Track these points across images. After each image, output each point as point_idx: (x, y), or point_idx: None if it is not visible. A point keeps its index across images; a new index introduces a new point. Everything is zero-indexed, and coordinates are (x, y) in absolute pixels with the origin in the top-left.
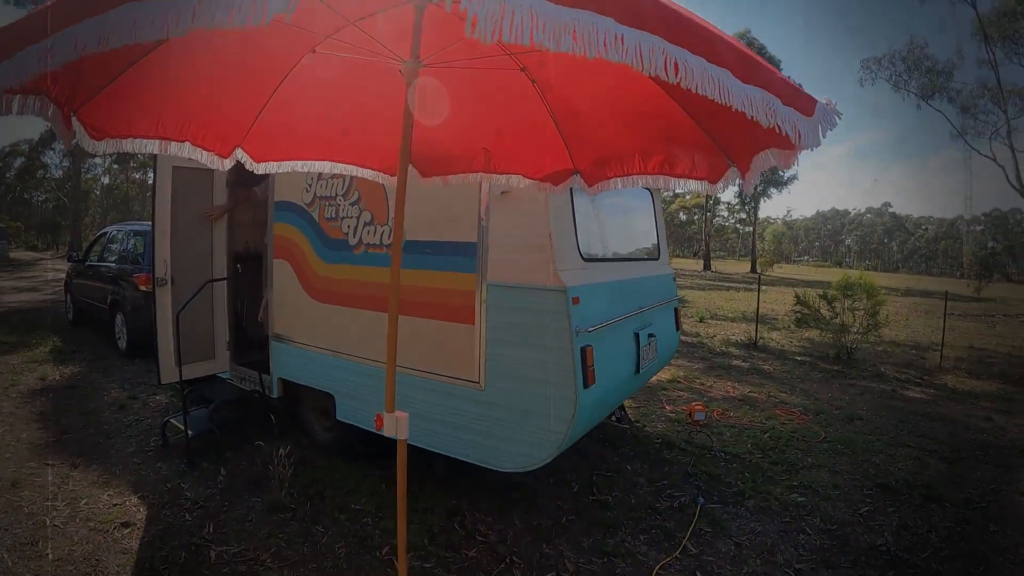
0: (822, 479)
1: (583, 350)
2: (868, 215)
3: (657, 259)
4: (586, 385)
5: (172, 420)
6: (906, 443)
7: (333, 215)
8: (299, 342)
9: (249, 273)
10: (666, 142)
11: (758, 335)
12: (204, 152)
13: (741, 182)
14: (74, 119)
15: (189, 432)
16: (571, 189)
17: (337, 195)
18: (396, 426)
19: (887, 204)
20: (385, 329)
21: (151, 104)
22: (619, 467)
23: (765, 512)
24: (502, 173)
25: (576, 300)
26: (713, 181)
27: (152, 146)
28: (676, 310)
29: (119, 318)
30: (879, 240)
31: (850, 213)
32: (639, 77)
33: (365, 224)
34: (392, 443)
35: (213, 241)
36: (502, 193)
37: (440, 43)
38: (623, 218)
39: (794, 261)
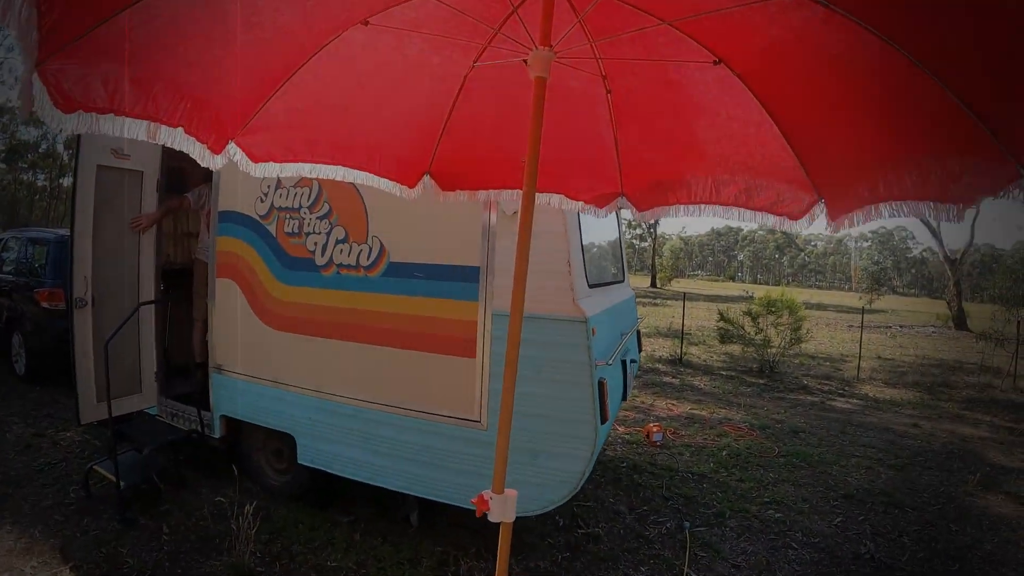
0: (790, 493)
1: (600, 384)
2: (760, 232)
3: (623, 281)
4: (603, 420)
5: (97, 467)
6: (852, 453)
7: (295, 230)
8: (248, 375)
9: (176, 293)
10: (745, 170)
11: (682, 351)
12: (196, 143)
13: (831, 224)
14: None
15: (121, 483)
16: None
17: (302, 207)
18: (505, 508)
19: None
20: (363, 362)
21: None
22: (596, 496)
23: (749, 531)
24: (540, 191)
25: (594, 331)
26: (794, 218)
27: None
28: (639, 332)
29: (16, 338)
30: (770, 256)
31: (743, 230)
32: (731, 85)
33: (337, 242)
34: (358, 487)
35: (140, 256)
36: (513, 213)
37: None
38: (599, 239)
39: (689, 276)
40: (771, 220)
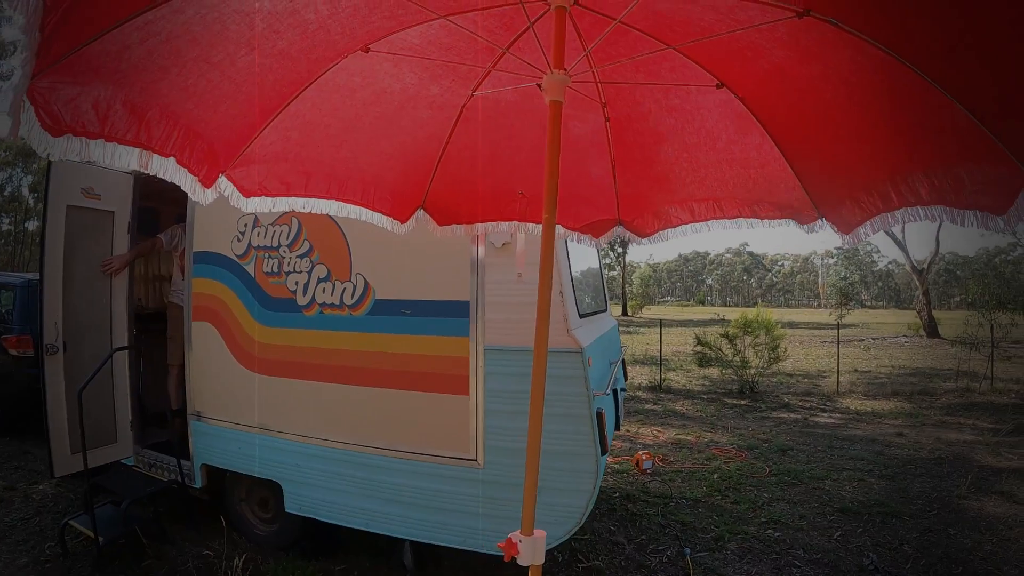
0: (786, 512)
1: (598, 414)
2: (727, 255)
3: (605, 310)
4: (603, 452)
5: (73, 522)
6: (843, 467)
7: (275, 269)
8: (229, 421)
9: (149, 338)
10: (747, 192)
11: (661, 377)
12: (188, 175)
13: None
14: None
15: (100, 538)
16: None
17: (281, 245)
18: (535, 551)
19: (745, 244)
20: (351, 404)
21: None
22: (592, 528)
23: (750, 552)
24: (538, 223)
25: (590, 361)
26: (802, 223)
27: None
28: (623, 360)
29: None
30: (738, 278)
31: (710, 254)
32: (732, 109)
33: (319, 280)
34: (350, 533)
35: (113, 300)
36: (503, 245)
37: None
38: (581, 268)
39: (659, 302)
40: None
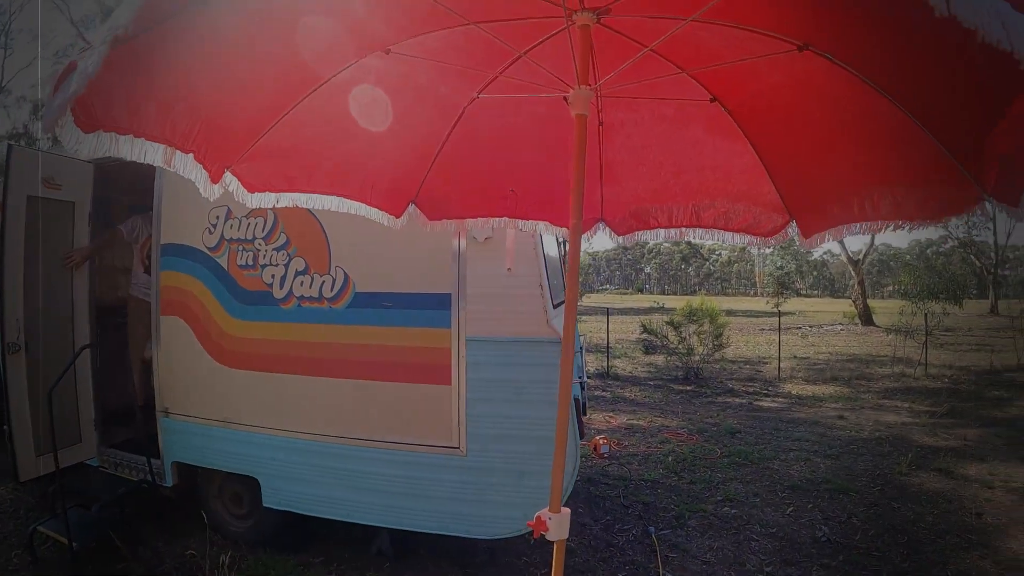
0: (740, 490)
1: (575, 401)
2: (666, 244)
3: (563, 302)
4: (581, 437)
5: (41, 528)
6: (789, 448)
7: (250, 262)
8: (202, 417)
9: (108, 332)
10: (725, 196)
11: (608, 365)
12: (203, 171)
13: (802, 240)
14: None
15: (73, 544)
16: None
17: (256, 238)
18: (562, 526)
19: (680, 231)
20: (332, 396)
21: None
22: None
23: (711, 528)
24: (528, 219)
25: None
26: (768, 236)
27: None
28: (582, 350)
29: None
30: (677, 267)
31: (649, 243)
32: (721, 121)
33: (297, 273)
34: (322, 523)
35: (74, 293)
36: (485, 239)
37: (607, 69)
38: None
39: (598, 290)
40: (747, 239)
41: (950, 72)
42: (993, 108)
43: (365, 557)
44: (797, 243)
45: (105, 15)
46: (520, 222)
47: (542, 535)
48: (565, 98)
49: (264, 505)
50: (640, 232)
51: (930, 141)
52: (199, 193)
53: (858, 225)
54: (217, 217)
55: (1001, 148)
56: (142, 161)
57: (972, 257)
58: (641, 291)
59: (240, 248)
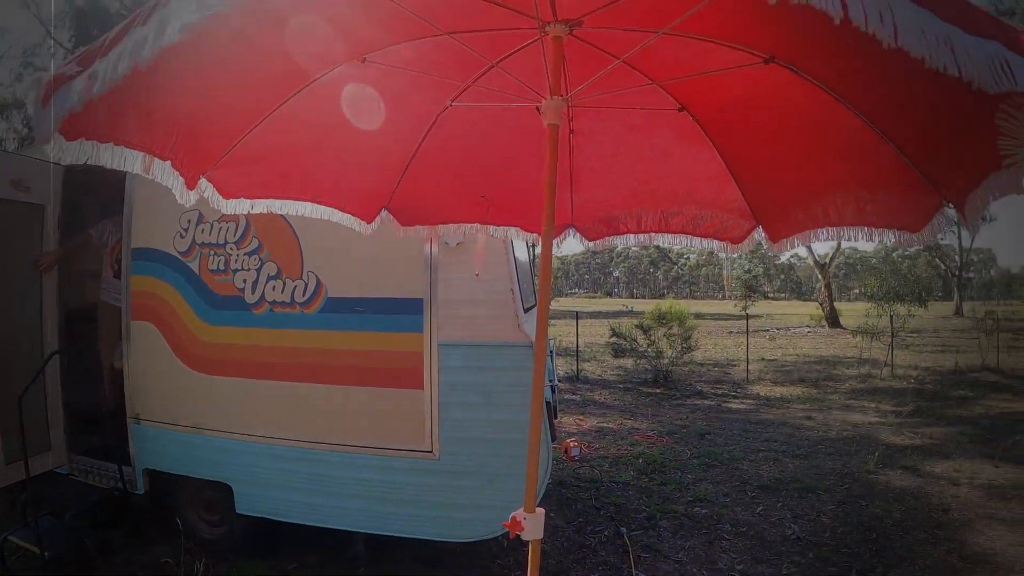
0: (710, 490)
1: (547, 404)
2: (635, 248)
3: (532, 306)
4: (552, 440)
5: (12, 537)
6: (758, 448)
7: (221, 267)
8: (173, 423)
9: (77, 338)
10: (693, 202)
11: (578, 368)
12: (179, 178)
13: (771, 245)
14: None
15: (45, 553)
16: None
17: (228, 242)
18: (537, 526)
19: (650, 236)
20: (305, 401)
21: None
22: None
23: (682, 528)
24: (499, 225)
25: None
26: (736, 242)
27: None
28: (552, 353)
29: None
30: (645, 270)
31: (618, 247)
32: (689, 129)
33: (269, 278)
34: (296, 529)
35: (43, 299)
36: (457, 244)
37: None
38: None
39: (567, 294)
40: (714, 244)
41: (905, 89)
42: (947, 123)
43: (339, 562)
44: (765, 247)
45: (75, 15)
46: (491, 228)
47: (518, 535)
48: (537, 108)
49: (237, 511)
50: (610, 237)
51: (891, 150)
52: (170, 197)
53: (824, 230)
54: (188, 221)
55: (960, 159)
56: (122, 169)
57: (937, 260)
58: (610, 295)
59: (212, 252)
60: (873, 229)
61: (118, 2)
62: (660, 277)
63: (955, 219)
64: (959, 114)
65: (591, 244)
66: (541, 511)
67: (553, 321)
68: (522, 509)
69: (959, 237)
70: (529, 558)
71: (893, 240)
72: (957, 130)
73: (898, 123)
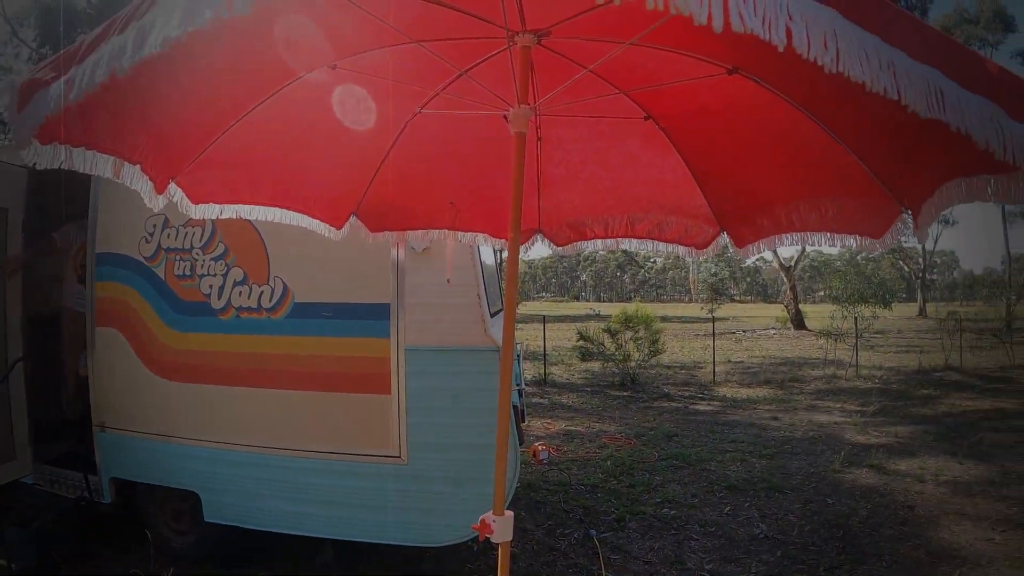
0: (678, 492)
1: (514, 408)
2: (602, 252)
3: (500, 310)
4: (520, 443)
5: None
6: (725, 449)
7: (187, 272)
8: (140, 431)
9: (46, 344)
10: (659, 208)
11: (545, 372)
12: (148, 181)
13: (736, 250)
14: None
15: (12, 565)
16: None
17: (194, 248)
18: (506, 528)
19: (616, 241)
20: (272, 408)
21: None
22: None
23: (651, 530)
24: (467, 231)
25: None
26: (700, 247)
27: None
28: (520, 357)
29: None
30: (612, 274)
31: (585, 251)
32: (655, 137)
33: (235, 283)
34: (265, 537)
35: (6, 304)
36: (424, 250)
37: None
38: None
39: (534, 298)
40: (680, 249)
41: (863, 100)
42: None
43: (310, 569)
44: (731, 252)
45: (41, 13)
46: (459, 234)
47: (487, 538)
48: (505, 116)
49: (206, 520)
50: (577, 243)
51: (852, 159)
52: (136, 201)
53: (788, 236)
54: (154, 226)
55: (917, 168)
56: (93, 173)
57: (901, 263)
58: (577, 298)
59: (178, 258)
60: (836, 235)
61: (85, 1)
62: (627, 281)
63: (910, 225)
64: (913, 126)
65: (559, 249)
66: (510, 514)
67: (521, 325)
68: (491, 512)
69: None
70: (499, 561)
71: (855, 245)
72: (913, 141)
73: (858, 133)
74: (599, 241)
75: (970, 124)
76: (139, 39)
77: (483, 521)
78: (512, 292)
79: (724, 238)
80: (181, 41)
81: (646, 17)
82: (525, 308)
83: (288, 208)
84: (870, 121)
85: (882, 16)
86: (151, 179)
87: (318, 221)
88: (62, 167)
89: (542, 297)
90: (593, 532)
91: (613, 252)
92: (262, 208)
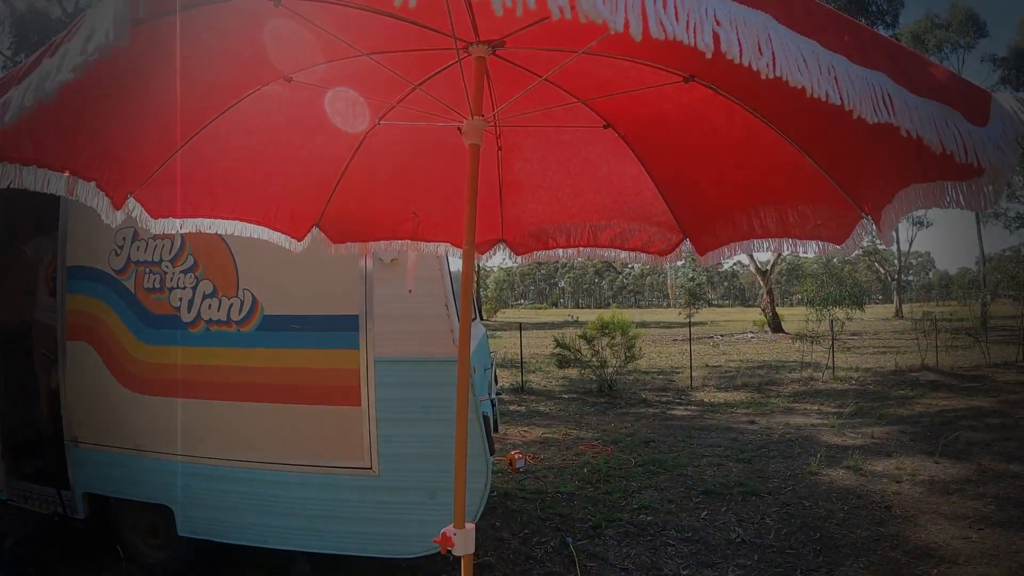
0: (655, 497)
1: (485, 418)
2: (579, 259)
3: (475, 319)
4: (491, 453)
5: None
6: (702, 454)
7: (157, 285)
8: (112, 446)
9: (16, 358)
10: (621, 217)
11: (523, 379)
12: (104, 197)
13: (698, 257)
14: None
15: None
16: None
17: (163, 260)
18: (467, 541)
19: (578, 250)
20: (242, 420)
21: None
22: (476, 526)
23: (627, 536)
24: (429, 241)
25: (474, 369)
26: (663, 255)
27: None
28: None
29: None
30: (590, 280)
31: (548, 261)
32: (615, 145)
33: (205, 296)
34: (239, 550)
35: None
36: (392, 261)
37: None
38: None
39: (513, 305)
40: (643, 258)
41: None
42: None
43: None
44: (695, 260)
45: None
46: (422, 244)
47: (449, 551)
48: (459, 128)
49: (179, 534)
50: (539, 252)
51: (810, 164)
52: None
53: (750, 242)
54: (123, 239)
55: (874, 174)
56: (45, 191)
57: (877, 264)
58: (556, 305)
59: (147, 271)
60: (798, 241)
61: (60, 8)
62: (605, 287)
63: (874, 232)
64: (864, 132)
65: (519, 259)
66: (471, 526)
67: (498, 333)
68: (452, 525)
69: (897, 241)
70: (462, 573)
71: (817, 251)
72: (866, 147)
73: (814, 139)
74: (560, 251)
75: (921, 128)
76: (61, 61)
77: (444, 534)
78: (467, 304)
79: (687, 245)
80: (112, 55)
81: (600, 26)
82: (503, 316)
83: (248, 221)
84: (824, 127)
85: (820, 22)
86: (108, 195)
87: (279, 233)
88: (12, 186)
89: (520, 304)
90: (569, 540)
91: (591, 259)
92: (223, 222)
